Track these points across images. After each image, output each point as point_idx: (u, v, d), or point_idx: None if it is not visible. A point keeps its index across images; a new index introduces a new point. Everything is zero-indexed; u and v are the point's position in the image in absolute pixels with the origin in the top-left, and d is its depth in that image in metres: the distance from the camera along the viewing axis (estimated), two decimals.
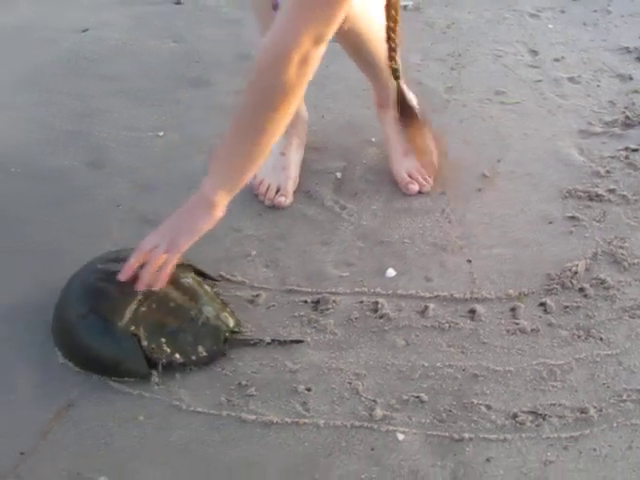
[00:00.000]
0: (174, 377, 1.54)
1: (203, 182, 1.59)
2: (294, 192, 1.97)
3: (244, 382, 1.53)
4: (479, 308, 1.64)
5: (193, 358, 1.55)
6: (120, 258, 1.63)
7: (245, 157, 1.56)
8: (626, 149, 2.02)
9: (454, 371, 1.53)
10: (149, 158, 2.10)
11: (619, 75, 2.33)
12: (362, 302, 1.68)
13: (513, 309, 1.64)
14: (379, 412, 1.46)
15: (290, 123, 1.94)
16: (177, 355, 1.54)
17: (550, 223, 1.84)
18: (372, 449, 1.40)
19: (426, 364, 1.54)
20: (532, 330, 1.60)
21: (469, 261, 1.76)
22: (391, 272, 1.74)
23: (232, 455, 1.40)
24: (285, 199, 1.94)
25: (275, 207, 1.94)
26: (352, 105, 2.23)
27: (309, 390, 1.51)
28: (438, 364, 1.54)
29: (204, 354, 1.56)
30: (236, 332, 1.61)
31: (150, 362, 1.54)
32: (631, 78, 2.31)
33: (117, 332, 1.53)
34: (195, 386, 1.53)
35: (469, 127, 2.15)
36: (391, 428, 1.43)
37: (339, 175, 2.00)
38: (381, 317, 1.64)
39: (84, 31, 2.69)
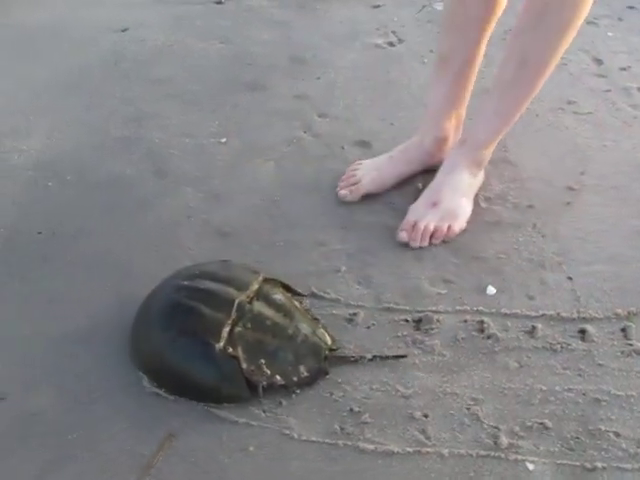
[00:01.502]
0: (280, 404, 1.44)
1: None
2: (381, 202, 1.87)
3: (356, 408, 1.43)
4: (589, 328, 1.57)
5: (295, 379, 1.45)
6: (204, 273, 1.53)
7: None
8: None
9: (574, 395, 1.45)
10: (215, 166, 2.00)
11: None
12: (466, 321, 1.59)
13: (624, 329, 1.57)
14: (504, 440, 1.38)
15: (416, 141, 1.88)
16: (278, 377, 1.44)
17: None
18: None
19: (544, 388, 1.47)
20: None
21: (570, 278, 1.68)
22: (491, 289, 1.66)
23: None
24: (347, 195, 1.87)
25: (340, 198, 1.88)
26: (419, 113, 2.14)
27: (426, 416, 1.42)
28: (557, 388, 1.46)
29: (305, 374, 1.46)
30: (334, 349, 1.51)
31: (250, 385, 1.43)
32: None
33: (215, 355, 1.41)
34: (304, 413, 1.43)
35: (545, 137, 2.08)
36: (519, 457, 1.35)
37: (420, 186, 1.91)
38: (489, 337, 1.56)
39: (124, 31, 2.57)
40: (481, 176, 1.87)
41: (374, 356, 1.50)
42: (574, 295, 1.64)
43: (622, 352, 1.53)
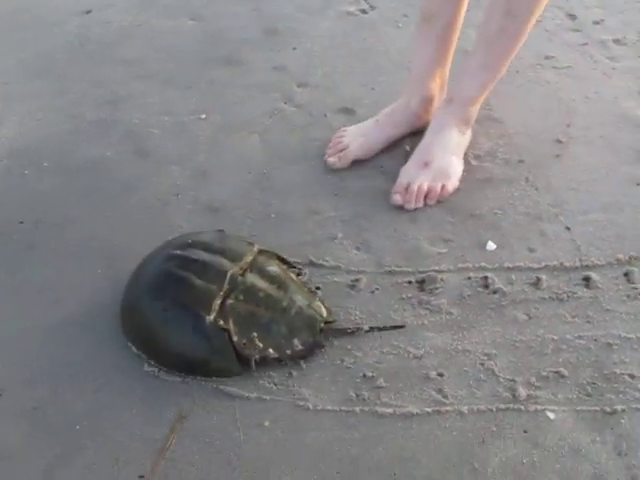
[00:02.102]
0: (290, 375, 1.41)
1: None
2: (370, 167, 1.84)
3: (369, 373, 1.40)
4: (593, 275, 1.56)
5: (288, 352, 1.41)
6: (197, 243, 1.49)
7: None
8: None
9: (586, 342, 1.44)
10: (198, 143, 1.94)
11: None
12: (470, 278, 1.57)
13: (627, 274, 1.57)
14: (522, 392, 1.36)
15: (402, 104, 1.85)
16: (271, 350, 1.40)
17: (638, 185, 1.76)
18: (525, 431, 1.30)
19: (555, 337, 1.45)
20: None
21: (568, 228, 1.67)
22: (491, 245, 1.64)
23: (380, 453, 1.28)
24: (336, 162, 1.83)
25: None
26: (400, 78, 2.12)
27: (441, 376, 1.40)
28: (568, 336, 1.45)
29: (300, 347, 1.42)
30: (330, 322, 1.47)
31: (241, 359, 1.39)
32: None
33: (206, 327, 1.37)
34: (317, 383, 1.39)
35: (528, 93, 2.06)
36: (539, 407, 1.34)
37: (408, 148, 1.88)
38: (494, 292, 1.54)
39: (87, 13, 2.49)
40: (469, 134, 1.84)
41: (371, 327, 1.46)
42: (574, 244, 1.63)
43: (628, 296, 1.52)
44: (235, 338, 1.38)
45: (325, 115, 2.01)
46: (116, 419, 1.35)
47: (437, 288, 1.55)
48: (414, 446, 1.29)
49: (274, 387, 1.39)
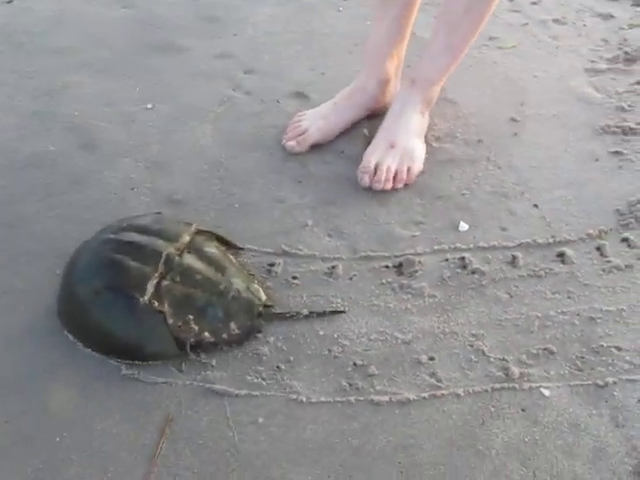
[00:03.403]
0: (278, 369, 1.35)
1: None
2: (331, 152, 1.79)
3: (359, 362, 1.36)
4: (566, 251, 1.56)
5: (224, 336, 1.36)
6: (133, 226, 1.42)
7: None
8: (638, 83, 2.01)
9: (570, 317, 1.44)
10: (148, 133, 1.85)
11: (600, 14, 2.33)
12: (447, 260, 1.55)
13: (599, 248, 1.58)
14: (515, 370, 1.34)
15: (359, 86, 1.80)
16: (207, 333, 1.35)
17: (597, 160, 1.79)
18: (523, 409, 1.29)
19: (539, 314, 1.45)
20: (626, 266, 1.54)
21: (535, 206, 1.67)
22: (464, 226, 1.62)
23: (382, 441, 1.24)
24: (295, 146, 1.78)
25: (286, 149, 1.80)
26: (348, 62, 2.08)
27: (432, 359, 1.37)
28: (551, 312, 1.45)
29: (237, 331, 1.37)
30: (269, 306, 1.42)
31: (177, 342, 1.33)
32: (612, 16, 2.31)
33: (139, 309, 1.31)
34: (307, 375, 1.34)
35: (477, 74, 2.06)
36: (533, 385, 1.33)
37: (366, 132, 1.85)
38: (473, 272, 1.52)
39: (9, 2, 2.34)
40: (428, 116, 1.82)
41: (311, 312, 1.42)
42: (544, 221, 1.63)
43: (603, 270, 1.53)
44: (170, 320, 1.32)
45: (278, 101, 1.95)
46: (99, 428, 1.25)
47: (416, 271, 1.52)
48: (415, 432, 1.25)
49: (263, 382, 1.32)
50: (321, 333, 1.40)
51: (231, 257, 1.47)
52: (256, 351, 1.37)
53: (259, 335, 1.40)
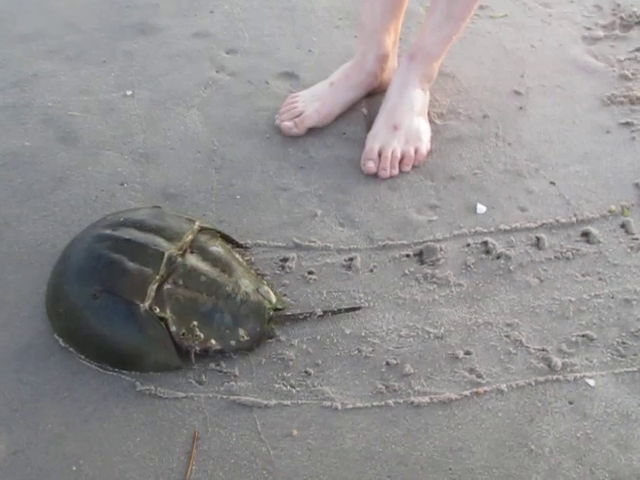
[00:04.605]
0: (307, 374, 1.25)
1: None
2: (331, 135, 1.68)
3: (393, 361, 1.27)
4: (591, 229, 1.49)
5: (232, 343, 1.26)
6: (130, 221, 1.31)
7: None
8: (638, 50, 1.94)
9: (604, 300, 1.37)
10: (131, 123, 1.71)
11: None
12: (469, 245, 1.46)
13: (623, 225, 1.51)
14: (557, 361, 1.27)
15: (356, 64, 1.68)
16: (213, 341, 1.24)
17: (608, 132, 1.71)
18: (570, 402, 1.22)
19: (572, 299, 1.37)
20: None
21: (552, 183, 1.59)
22: (481, 208, 1.53)
23: (428, 447, 1.16)
24: (292, 127, 1.66)
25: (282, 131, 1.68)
26: (336, 37, 1.97)
27: (469, 354, 1.28)
28: (584, 296, 1.38)
29: (246, 338, 1.26)
30: (280, 309, 1.31)
31: (180, 351, 1.23)
32: None
33: (140, 316, 1.21)
34: (338, 379, 1.24)
35: (473, 45, 1.96)
36: (577, 375, 1.26)
37: (365, 111, 1.74)
38: (498, 257, 1.44)
39: None
40: (428, 93, 1.72)
41: (325, 311, 1.31)
42: (563, 199, 1.55)
43: (631, 248, 1.46)
44: (173, 328, 1.22)
45: (267, 82, 1.83)
46: (119, 452, 1.14)
47: (438, 259, 1.43)
48: (462, 435, 1.17)
49: (292, 390, 1.22)
50: (347, 332, 1.30)
51: (237, 256, 1.36)
52: (280, 356, 1.27)
53: (282, 338, 1.29)
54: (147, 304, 1.21)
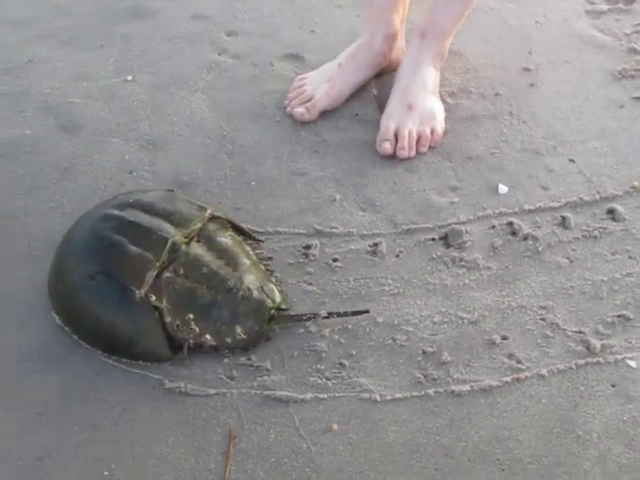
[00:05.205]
0: (342, 365, 1.20)
1: None
2: (343, 117, 1.63)
3: (429, 349, 1.23)
4: (616, 207, 1.46)
5: (228, 341, 1.20)
6: (139, 203, 1.26)
7: None
8: None
9: (636, 279, 1.35)
10: (134, 108, 1.64)
11: None
12: (494, 227, 1.42)
13: None
14: (595, 343, 1.24)
15: (365, 44, 1.63)
16: (208, 336, 1.20)
17: (622, 107, 1.68)
18: (613, 385, 1.19)
19: (604, 278, 1.34)
20: None
21: (572, 160, 1.56)
22: (503, 188, 1.50)
23: (473, 437, 1.12)
24: (304, 113, 1.61)
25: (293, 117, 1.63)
26: (338, 17, 1.91)
27: (505, 338, 1.25)
28: (616, 275, 1.35)
29: (242, 336, 1.21)
30: (283, 309, 1.25)
31: (173, 343, 1.19)
32: None
33: (134, 303, 1.17)
34: (375, 369, 1.20)
35: (477, 22, 1.91)
36: (618, 357, 1.23)
37: (375, 92, 1.69)
38: (525, 238, 1.40)
39: None
40: (439, 71, 1.67)
41: (330, 313, 1.25)
42: (584, 177, 1.52)
43: None
44: (168, 318, 1.18)
45: (271, 64, 1.77)
46: (152, 455, 1.09)
47: (465, 242, 1.39)
48: (507, 423, 1.14)
49: (328, 382, 1.18)
50: (379, 320, 1.26)
51: (247, 249, 1.30)
52: (313, 347, 1.22)
53: (312, 329, 1.24)
54: (143, 291, 1.16)
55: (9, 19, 1.87)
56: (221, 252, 1.25)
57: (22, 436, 1.11)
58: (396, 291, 1.31)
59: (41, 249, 1.35)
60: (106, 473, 1.06)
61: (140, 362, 1.19)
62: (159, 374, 1.17)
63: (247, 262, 1.26)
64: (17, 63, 1.73)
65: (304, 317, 1.24)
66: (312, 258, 1.35)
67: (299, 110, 1.60)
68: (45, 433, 1.11)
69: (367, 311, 1.25)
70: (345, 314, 1.25)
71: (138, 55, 1.78)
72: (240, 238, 1.32)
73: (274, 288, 1.26)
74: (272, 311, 1.23)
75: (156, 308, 1.17)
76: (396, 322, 1.26)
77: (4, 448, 1.10)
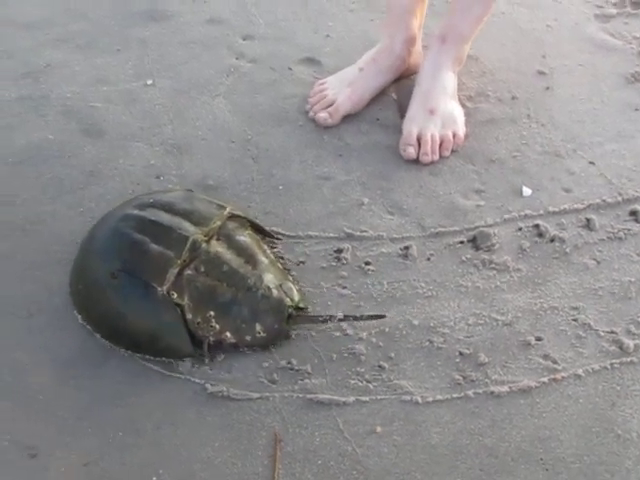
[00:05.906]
0: (381, 368, 1.22)
1: None
2: (365, 121, 1.64)
3: (466, 350, 1.24)
4: (639, 208, 1.48)
5: (247, 339, 1.22)
6: (159, 203, 1.27)
7: None
8: None
9: None
10: (156, 113, 1.64)
11: None
12: (521, 229, 1.44)
13: None
14: (629, 343, 1.25)
15: (384, 48, 1.63)
16: (228, 333, 1.21)
17: (637, 110, 1.71)
18: None
19: (632, 279, 1.36)
20: None
21: (592, 163, 1.58)
22: (527, 191, 1.51)
23: (516, 438, 1.14)
24: (327, 118, 1.62)
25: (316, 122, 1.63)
26: (352, 21, 1.92)
27: (540, 339, 1.26)
28: None
29: (262, 334, 1.22)
30: (302, 308, 1.26)
31: (193, 340, 1.20)
32: None
33: (156, 300, 1.18)
34: (414, 372, 1.21)
35: (490, 26, 1.90)
36: None
37: (394, 96, 1.70)
38: (552, 240, 1.42)
39: None
40: (457, 75, 1.69)
41: (346, 316, 1.25)
42: (605, 179, 1.54)
43: None
44: (189, 315, 1.19)
45: (289, 68, 1.77)
46: (199, 459, 1.09)
47: (493, 245, 1.40)
48: (547, 423, 1.15)
49: (369, 385, 1.19)
50: (415, 323, 1.27)
51: (266, 248, 1.31)
52: (351, 350, 1.23)
53: (349, 332, 1.25)
54: (165, 288, 1.17)
55: (23, 22, 1.86)
56: (240, 250, 1.26)
57: (66, 442, 1.10)
58: (429, 294, 1.32)
59: (71, 253, 1.34)
60: (154, 479, 1.06)
61: (170, 361, 1.20)
62: (200, 378, 1.17)
63: (266, 261, 1.27)
64: (35, 67, 1.72)
65: (320, 318, 1.25)
66: (344, 262, 1.36)
67: (322, 115, 1.61)
68: (88, 439, 1.10)
69: (383, 316, 1.26)
70: (361, 317, 1.25)
71: (156, 59, 1.77)
72: (258, 237, 1.33)
73: (292, 287, 1.27)
74: (291, 310, 1.23)
75: (177, 305, 1.17)
76: (432, 324, 1.27)
77: (46, 454, 1.09)
